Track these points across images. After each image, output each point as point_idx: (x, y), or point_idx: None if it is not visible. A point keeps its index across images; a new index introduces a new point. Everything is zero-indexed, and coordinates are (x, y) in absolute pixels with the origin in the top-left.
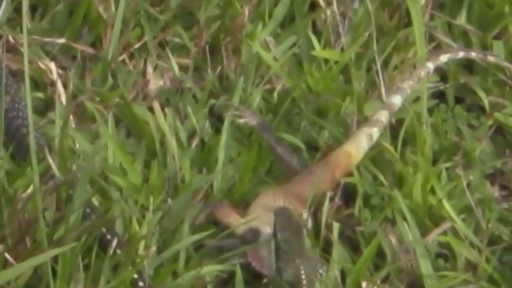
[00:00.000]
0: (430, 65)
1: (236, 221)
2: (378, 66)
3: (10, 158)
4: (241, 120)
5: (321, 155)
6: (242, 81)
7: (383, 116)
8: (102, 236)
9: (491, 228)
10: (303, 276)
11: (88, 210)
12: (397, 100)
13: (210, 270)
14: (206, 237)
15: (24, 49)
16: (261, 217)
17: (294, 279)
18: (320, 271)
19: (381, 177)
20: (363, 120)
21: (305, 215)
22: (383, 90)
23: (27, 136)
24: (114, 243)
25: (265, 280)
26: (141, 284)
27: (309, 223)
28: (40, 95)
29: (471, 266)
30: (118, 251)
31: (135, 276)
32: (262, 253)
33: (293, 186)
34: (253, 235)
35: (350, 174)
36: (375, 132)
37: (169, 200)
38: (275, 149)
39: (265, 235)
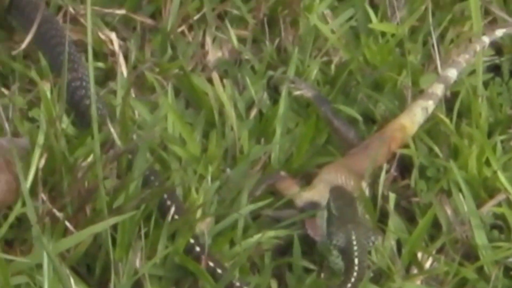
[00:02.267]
0: (486, 39)
1: (297, 194)
2: (434, 40)
3: (74, 128)
4: (297, 92)
5: (378, 127)
6: (299, 53)
7: (438, 89)
8: (163, 203)
9: None
10: (354, 241)
11: (152, 178)
12: (452, 73)
13: (268, 237)
14: (264, 207)
15: (87, 19)
16: (322, 192)
17: (345, 244)
18: (372, 238)
19: (437, 149)
20: (419, 93)
21: (363, 186)
22: (438, 64)
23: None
24: (173, 209)
25: None
26: (197, 249)
27: (367, 194)
28: (101, 65)
29: None
30: (177, 217)
31: (192, 241)
32: (318, 223)
33: (351, 159)
34: (313, 209)
35: (405, 146)
36: (430, 105)
37: (228, 170)
38: (332, 122)
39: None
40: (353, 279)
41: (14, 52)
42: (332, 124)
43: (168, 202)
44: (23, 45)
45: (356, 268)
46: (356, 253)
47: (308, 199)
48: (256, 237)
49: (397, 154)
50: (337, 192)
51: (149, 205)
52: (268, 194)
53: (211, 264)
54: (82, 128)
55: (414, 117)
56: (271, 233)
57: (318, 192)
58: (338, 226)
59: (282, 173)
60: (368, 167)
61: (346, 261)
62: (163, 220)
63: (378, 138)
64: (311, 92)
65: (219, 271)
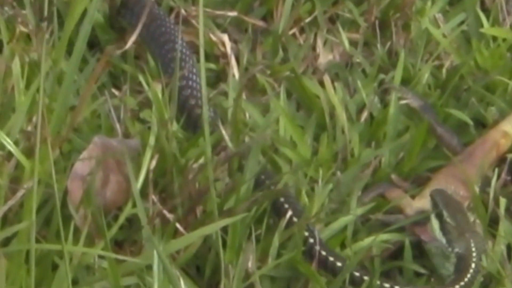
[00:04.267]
0: None
1: (407, 202)
2: None
3: (183, 131)
4: (404, 102)
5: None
6: (411, 57)
7: None
8: (278, 205)
9: None
10: (474, 249)
11: (265, 179)
12: None
13: (378, 241)
14: (373, 210)
15: (200, 21)
16: None
17: (464, 251)
18: (485, 246)
19: None
20: None
21: (476, 189)
22: None
23: (196, 107)
24: (290, 211)
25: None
26: (316, 247)
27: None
28: (212, 66)
29: None
30: (294, 219)
31: (311, 240)
32: (429, 229)
33: (457, 168)
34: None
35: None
36: None
37: (338, 173)
38: (436, 130)
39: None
40: (466, 280)
41: (118, 52)
42: (436, 133)
43: (286, 205)
44: (129, 43)
45: (471, 271)
46: (474, 259)
47: (419, 208)
48: (367, 240)
49: (508, 158)
50: (442, 198)
51: (261, 207)
52: (378, 198)
53: (331, 258)
54: (190, 131)
55: None
56: (383, 237)
57: (428, 201)
58: (457, 235)
59: (393, 176)
60: (476, 175)
61: (462, 266)
62: (276, 222)
63: (481, 145)
64: (417, 102)
65: (338, 264)
